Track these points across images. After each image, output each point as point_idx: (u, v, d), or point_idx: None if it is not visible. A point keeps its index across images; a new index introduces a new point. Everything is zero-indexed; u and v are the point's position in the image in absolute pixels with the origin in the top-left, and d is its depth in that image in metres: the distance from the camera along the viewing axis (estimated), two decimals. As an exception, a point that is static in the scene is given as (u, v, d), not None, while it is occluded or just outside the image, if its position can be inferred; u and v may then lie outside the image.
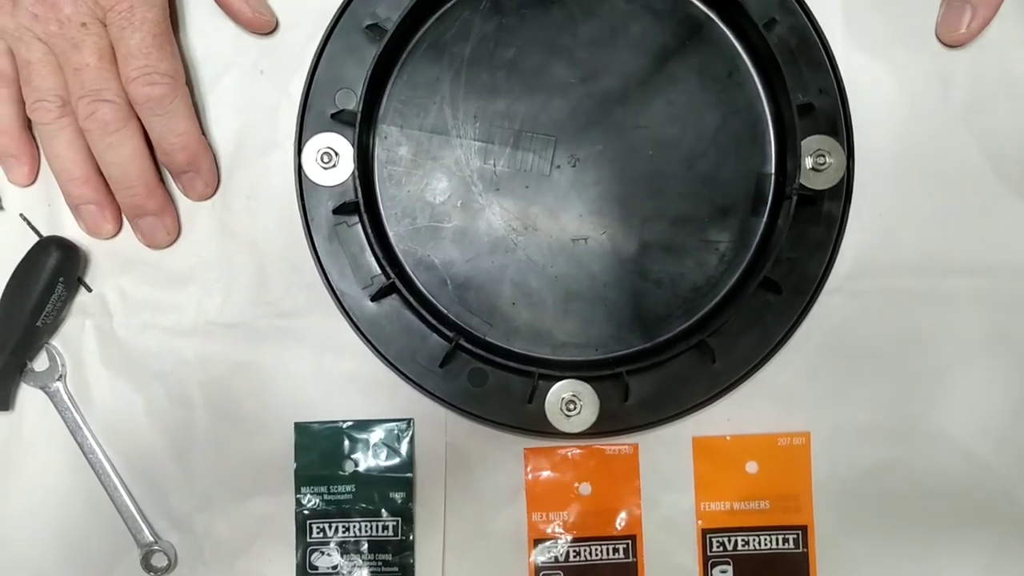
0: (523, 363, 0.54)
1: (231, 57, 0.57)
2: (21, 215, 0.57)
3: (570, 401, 0.54)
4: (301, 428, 0.56)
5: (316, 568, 0.56)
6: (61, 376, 0.57)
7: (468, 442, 0.57)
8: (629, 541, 0.56)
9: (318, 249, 0.55)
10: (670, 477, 0.57)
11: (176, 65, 0.54)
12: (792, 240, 0.55)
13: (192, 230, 0.57)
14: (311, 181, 0.55)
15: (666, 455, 0.57)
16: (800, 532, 0.56)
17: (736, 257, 0.56)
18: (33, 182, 0.57)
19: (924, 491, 0.56)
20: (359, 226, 0.55)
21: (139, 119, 0.54)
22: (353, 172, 0.54)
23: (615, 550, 0.56)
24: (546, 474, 0.57)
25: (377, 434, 0.57)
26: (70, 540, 0.56)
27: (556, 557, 0.56)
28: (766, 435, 0.57)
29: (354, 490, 0.56)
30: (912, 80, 0.57)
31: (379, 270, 0.55)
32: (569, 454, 0.57)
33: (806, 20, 0.55)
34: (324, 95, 0.55)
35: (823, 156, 0.55)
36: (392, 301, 0.55)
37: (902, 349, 0.56)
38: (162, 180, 0.56)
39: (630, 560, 0.56)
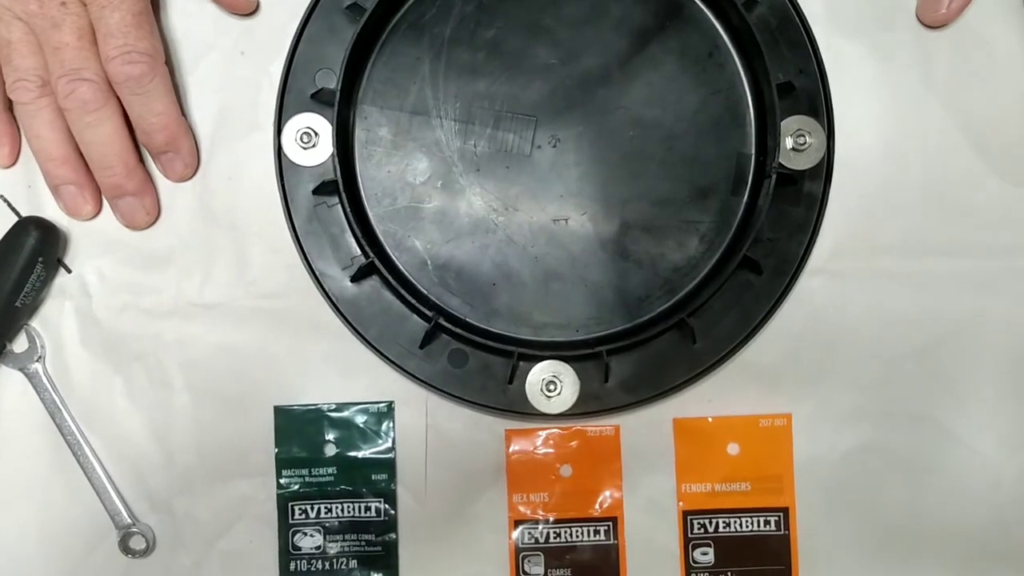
0: (503, 344, 0.54)
1: (212, 38, 0.57)
2: (1, 196, 0.57)
3: (550, 382, 0.54)
4: (281, 412, 0.56)
5: (300, 548, 0.56)
6: (40, 357, 0.56)
7: (449, 423, 0.56)
8: (610, 523, 0.56)
9: (298, 230, 0.55)
10: (651, 459, 0.56)
11: (155, 44, 0.53)
12: (773, 221, 0.55)
13: (172, 211, 0.57)
14: (291, 161, 0.55)
15: (647, 437, 0.56)
16: (781, 514, 0.56)
17: (717, 237, 0.55)
18: (14, 163, 0.57)
19: (906, 473, 0.56)
20: (339, 207, 0.55)
21: (119, 99, 0.54)
22: (333, 152, 0.54)
23: (596, 532, 0.56)
24: (527, 455, 0.56)
25: (358, 416, 0.56)
26: (48, 522, 0.56)
27: (537, 538, 0.56)
28: (747, 416, 0.56)
29: (336, 472, 0.56)
30: (893, 60, 0.57)
31: (359, 251, 0.55)
32: (550, 436, 0.56)
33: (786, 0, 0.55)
34: (304, 75, 0.55)
35: (803, 136, 0.54)
36: (372, 282, 0.55)
37: (884, 330, 0.56)
38: (142, 160, 0.56)
39: (611, 542, 0.56)
